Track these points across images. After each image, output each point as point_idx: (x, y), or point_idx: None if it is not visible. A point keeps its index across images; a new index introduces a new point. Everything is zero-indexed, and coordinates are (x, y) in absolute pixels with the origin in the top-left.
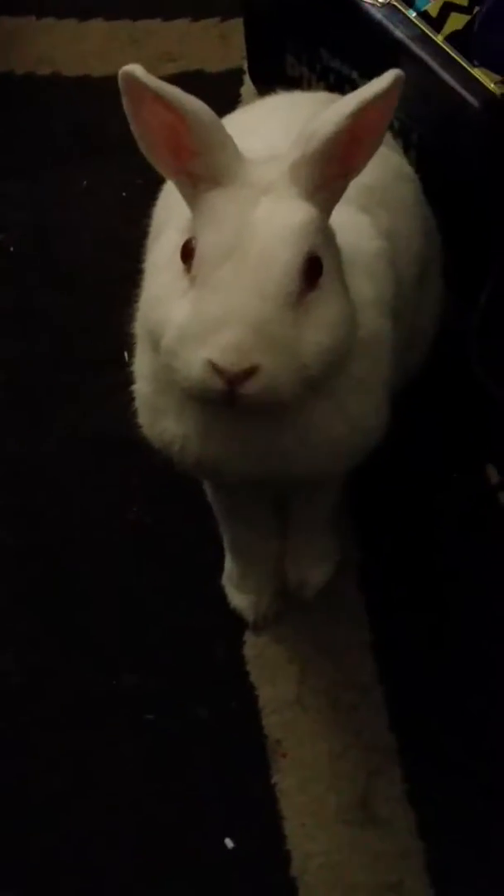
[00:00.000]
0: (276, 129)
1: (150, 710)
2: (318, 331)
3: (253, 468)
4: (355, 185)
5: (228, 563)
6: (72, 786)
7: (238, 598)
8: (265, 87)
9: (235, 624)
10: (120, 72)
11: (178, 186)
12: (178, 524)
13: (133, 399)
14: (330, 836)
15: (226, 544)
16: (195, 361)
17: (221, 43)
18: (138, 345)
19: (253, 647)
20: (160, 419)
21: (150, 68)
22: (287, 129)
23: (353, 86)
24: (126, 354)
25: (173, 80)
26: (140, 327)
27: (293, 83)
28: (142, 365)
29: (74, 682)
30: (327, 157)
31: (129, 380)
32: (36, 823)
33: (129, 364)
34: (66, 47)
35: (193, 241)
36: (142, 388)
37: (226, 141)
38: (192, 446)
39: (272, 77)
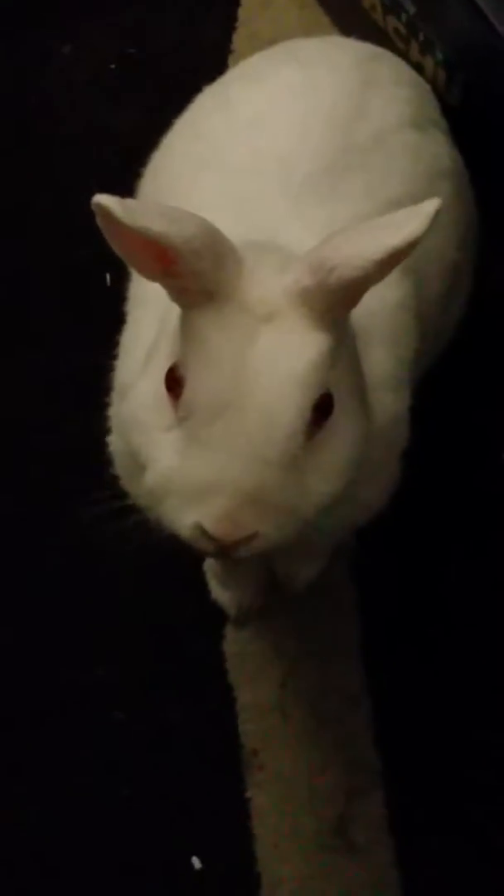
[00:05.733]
0: (290, 126)
1: (118, 706)
2: (324, 479)
3: None
4: (376, 204)
5: None
6: (28, 787)
7: (219, 591)
8: None
9: (215, 615)
10: (92, 202)
11: (165, 288)
12: None
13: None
14: (303, 860)
15: None
16: (183, 521)
17: None
18: (115, 395)
19: (233, 642)
20: (137, 478)
21: None
22: (304, 130)
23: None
24: (108, 277)
25: None
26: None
27: None
28: (117, 419)
29: (36, 673)
30: (346, 289)
31: None
32: None
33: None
34: None
35: (181, 372)
36: (117, 444)
37: (224, 258)
38: None
39: None
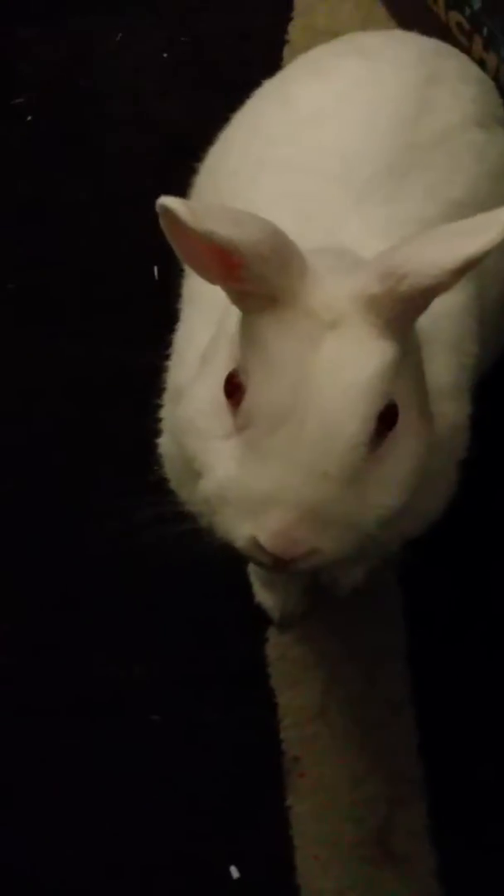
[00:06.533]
0: (352, 122)
1: (156, 709)
2: (385, 492)
3: None
4: (439, 205)
5: None
6: (61, 791)
7: (263, 594)
8: None
9: (258, 618)
10: (157, 204)
11: (226, 292)
12: None
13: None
14: (343, 872)
15: None
16: (239, 532)
17: None
18: (167, 397)
19: (276, 646)
20: (189, 482)
21: None
22: (367, 128)
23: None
24: (156, 270)
25: None
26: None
27: None
28: (169, 421)
29: (73, 672)
30: (416, 297)
31: None
32: (21, 835)
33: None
34: None
35: (240, 379)
36: (168, 447)
37: (289, 262)
38: None
39: None
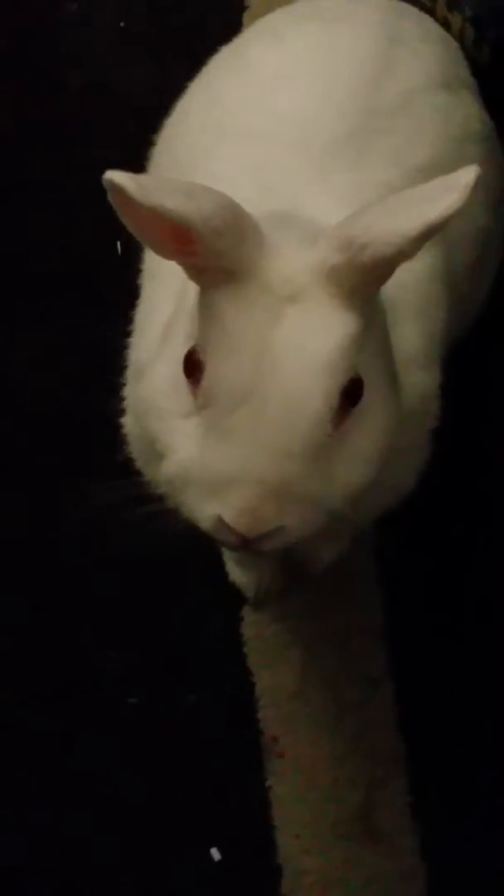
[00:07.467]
0: (311, 87)
1: (133, 692)
2: (352, 469)
3: None
4: (404, 170)
5: None
6: (39, 775)
7: (237, 573)
8: None
9: (233, 598)
10: (104, 179)
11: (182, 267)
12: None
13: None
14: (325, 851)
15: None
16: (203, 512)
17: None
18: (129, 375)
19: (252, 625)
20: (154, 462)
21: None
22: (326, 92)
23: None
24: (119, 245)
25: None
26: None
27: None
28: (132, 400)
29: (48, 656)
30: (378, 267)
31: None
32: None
33: None
34: None
35: (199, 356)
36: (131, 427)
37: (245, 235)
38: None
39: None
